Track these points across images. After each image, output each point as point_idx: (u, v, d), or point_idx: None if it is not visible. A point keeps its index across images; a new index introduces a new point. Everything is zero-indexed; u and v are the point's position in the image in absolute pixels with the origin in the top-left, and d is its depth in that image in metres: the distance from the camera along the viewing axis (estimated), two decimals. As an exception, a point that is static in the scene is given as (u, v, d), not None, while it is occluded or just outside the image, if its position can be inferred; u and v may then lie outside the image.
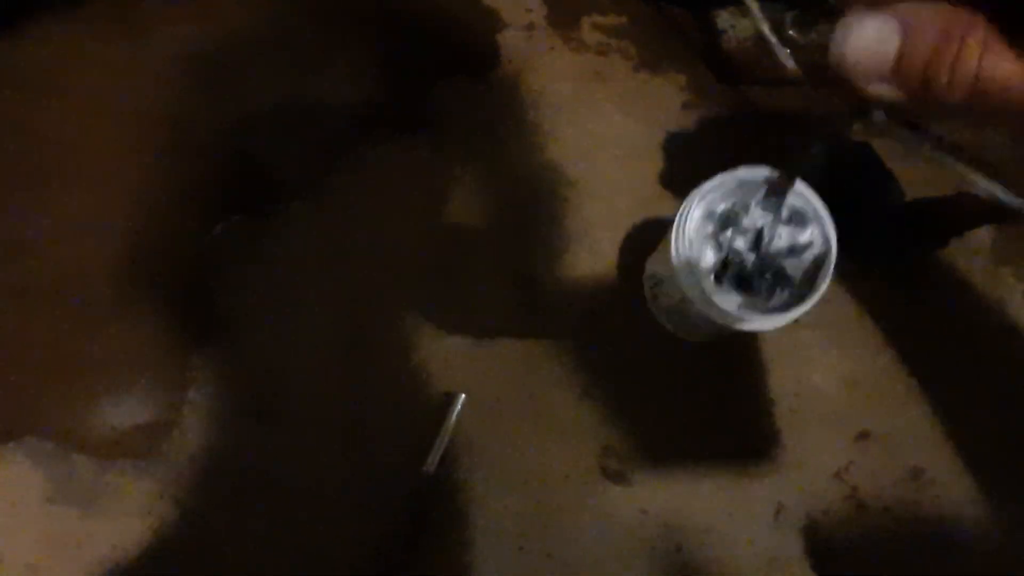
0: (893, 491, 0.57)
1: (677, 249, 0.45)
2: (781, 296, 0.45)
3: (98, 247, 0.59)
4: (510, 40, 0.68)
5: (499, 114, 0.66)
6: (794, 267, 0.45)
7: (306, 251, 0.61)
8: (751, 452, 0.57)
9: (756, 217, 0.45)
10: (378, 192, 0.63)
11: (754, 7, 0.60)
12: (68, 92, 0.63)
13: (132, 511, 0.53)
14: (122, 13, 0.65)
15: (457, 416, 0.56)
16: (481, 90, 0.67)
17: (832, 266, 0.44)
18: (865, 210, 0.58)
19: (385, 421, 0.57)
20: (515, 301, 0.60)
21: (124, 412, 0.55)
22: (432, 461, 0.55)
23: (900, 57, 0.22)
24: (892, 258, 0.63)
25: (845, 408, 0.59)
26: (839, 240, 0.45)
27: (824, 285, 0.44)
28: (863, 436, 0.58)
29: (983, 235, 0.65)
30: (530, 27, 0.69)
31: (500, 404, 0.57)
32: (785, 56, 0.64)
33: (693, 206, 0.45)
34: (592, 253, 0.62)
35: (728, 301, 0.44)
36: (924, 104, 0.22)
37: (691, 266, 0.44)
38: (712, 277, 0.45)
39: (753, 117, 0.68)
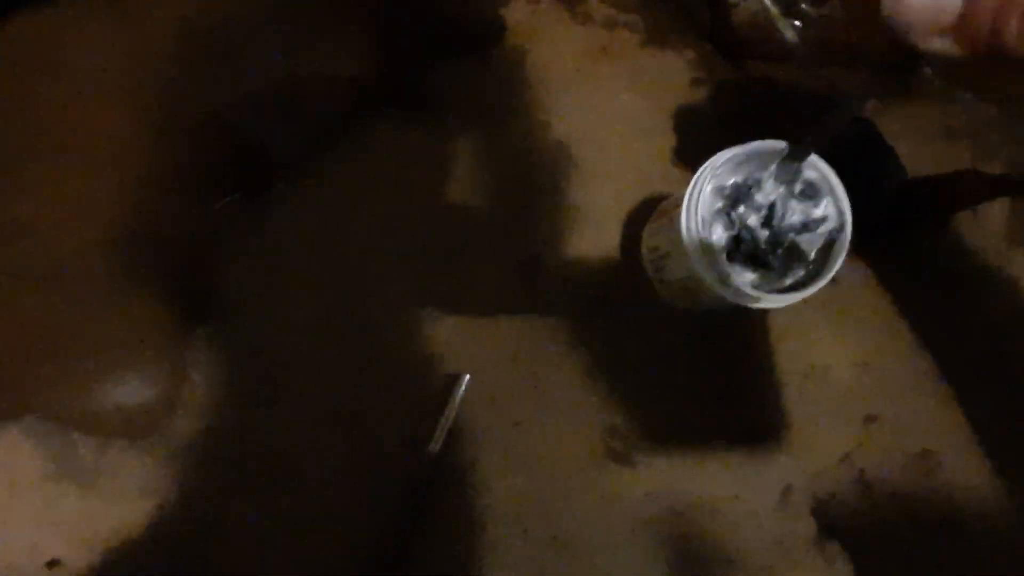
0: (901, 474, 0.56)
1: (688, 227, 0.43)
2: (796, 273, 0.44)
3: (95, 227, 0.58)
4: (515, 14, 0.67)
5: (502, 91, 0.65)
6: (808, 243, 0.43)
7: (306, 231, 0.60)
8: (758, 434, 0.56)
9: (768, 191, 0.43)
10: (379, 171, 0.62)
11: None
12: (61, 69, 0.62)
13: (133, 491, 0.53)
14: (117, -11, 0.64)
15: (460, 397, 0.55)
16: (484, 66, 0.65)
17: (847, 241, 0.43)
18: (865, 187, 0.57)
19: (387, 403, 0.56)
20: (518, 282, 0.60)
21: (124, 391, 0.55)
22: (436, 443, 0.54)
23: (966, 8, 0.20)
24: (892, 236, 0.62)
25: (854, 390, 0.58)
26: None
27: (840, 260, 0.42)
28: (872, 419, 0.58)
29: (996, 216, 0.64)
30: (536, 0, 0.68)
31: (503, 385, 0.57)
32: (790, 32, 0.62)
33: (705, 181, 0.43)
34: (597, 232, 0.61)
35: (742, 279, 0.43)
36: (983, 58, 0.21)
37: (704, 245, 0.42)
38: (725, 255, 0.44)
39: (763, 94, 0.67)
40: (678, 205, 0.46)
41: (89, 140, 0.60)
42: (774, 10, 0.58)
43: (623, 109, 0.65)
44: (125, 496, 0.53)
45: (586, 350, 0.58)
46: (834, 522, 0.55)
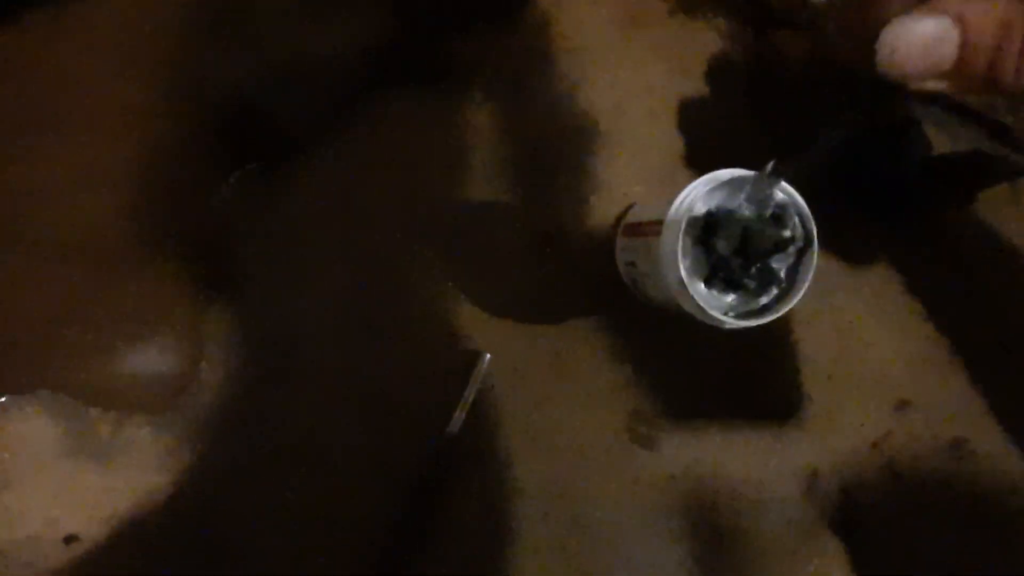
0: (933, 463, 0.55)
1: (667, 262, 0.45)
2: (770, 293, 0.45)
3: (109, 197, 0.57)
4: (540, -20, 0.64)
5: (524, 62, 0.63)
6: (779, 262, 0.45)
7: (323, 205, 0.59)
8: (785, 419, 0.55)
9: (740, 219, 0.45)
10: (396, 144, 0.60)
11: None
12: (74, 38, 0.60)
13: (149, 467, 0.53)
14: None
15: (481, 377, 0.54)
16: (506, 36, 0.63)
17: (814, 259, 0.44)
18: (889, 161, 0.58)
19: (405, 380, 0.55)
20: (540, 258, 0.58)
21: (141, 365, 0.54)
22: (455, 424, 0.53)
23: (961, 54, 0.21)
24: (919, 213, 0.61)
25: (885, 376, 0.57)
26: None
27: (808, 279, 0.44)
28: (903, 405, 0.56)
29: (1035, 194, 0.61)
30: (562, -35, 0.65)
31: (525, 364, 0.56)
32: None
33: (682, 219, 0.44)
34: (620, 210, 0.59)
35: (719, 303, 0.45)
36: (983, 93, 0.22)
37: (682, 279, 0.44)
38: (703, 284, 0.45)
39: (794, 66, 0.64)
40: (652, 223, 0.47)
41: (101, 109, 0.59)
42: None
43: (651, 82, 0.63)
44: (142, 472, 0.52)
45: (610, 329, 0.57)
46: (861, 510, 0.54)
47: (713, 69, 0.63)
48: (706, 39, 0.64)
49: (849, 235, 0.59)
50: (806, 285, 0.44)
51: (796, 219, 0.45)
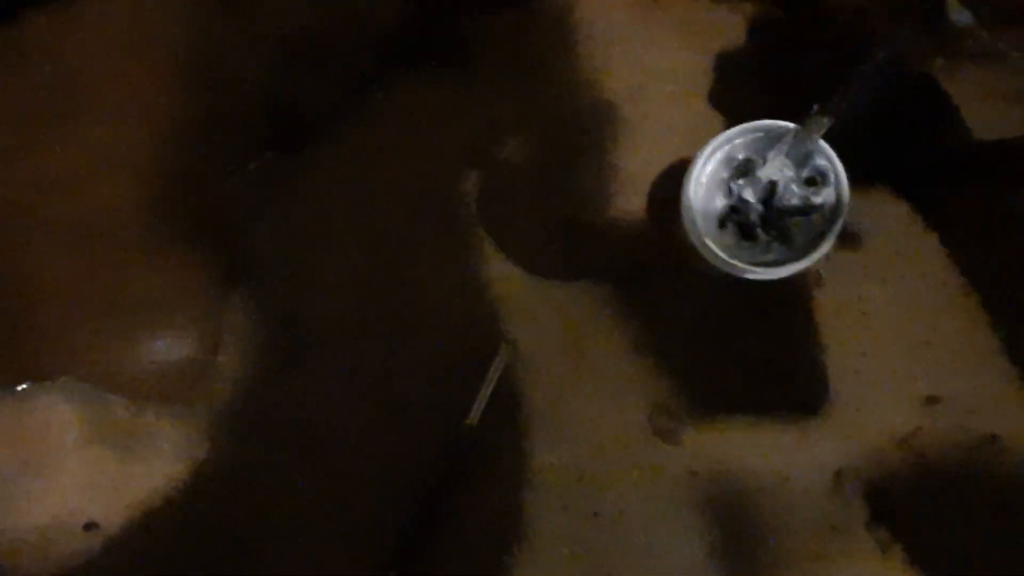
0: (964, 459, 0.53)
1: (686, 191, 0.47)
2: (779, 251, 0.46)
3: (130, 184, 0.57)
4: (561, -39, 0.63)
5: (545, 45, 0.61)
6: (798, 226, 0.45)
7: (341, 191, 0.58)
8: (811, 414, 0.54)
9: (772, 170, 0.45)
10: (413, 129, 0.60)
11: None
12: (89, 22, 0.60)
13: (168, 455, 0.53)
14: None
15: (501, 367, 0.54)
16: (527, 17, 0.62)
17: (836, 232, 0.45)
18: (925, 141, 0.57)
19: (423, 369, 0.55)
20: (559, 247, 0.58)
21: (161, 352, 0.55)
22: (475, 413, 0.53)
23: None
24: (946, 192, 0.59)
25: (915, 370, 0.55)
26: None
27: (825, 249, 0.45)
28: (933, 400, 0.55)
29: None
30: (585, -54, 0.63)
31: (545, 355, 0.55)
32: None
33: (707, 154, 0.46)
34: (642, 197, 0.58)
35: (723, 244, 0.46)
36: None
37: (694, 210, 0.46)
38: (717, 221, 0.47)
39: (820, 48, 0.62)
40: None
41: (125, 95, 0.59)
42: None
43: (674, 65, 0.61)
44: (161, 461, 0.53)
45: (632, 319, 0.56)
46: (889, 507, 0.53)
47: (738, 52, 0.62)
48: (731, 21, 0.62)
49: (880, 226, 0.58)
50: (822, 252, 0.45)
51: (832, 188, 0.45)
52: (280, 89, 0.60)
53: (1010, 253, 0.58)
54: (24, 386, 0.53)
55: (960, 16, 0.54)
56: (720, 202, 0.47)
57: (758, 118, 0.48)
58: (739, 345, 0.56)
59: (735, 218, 0.46)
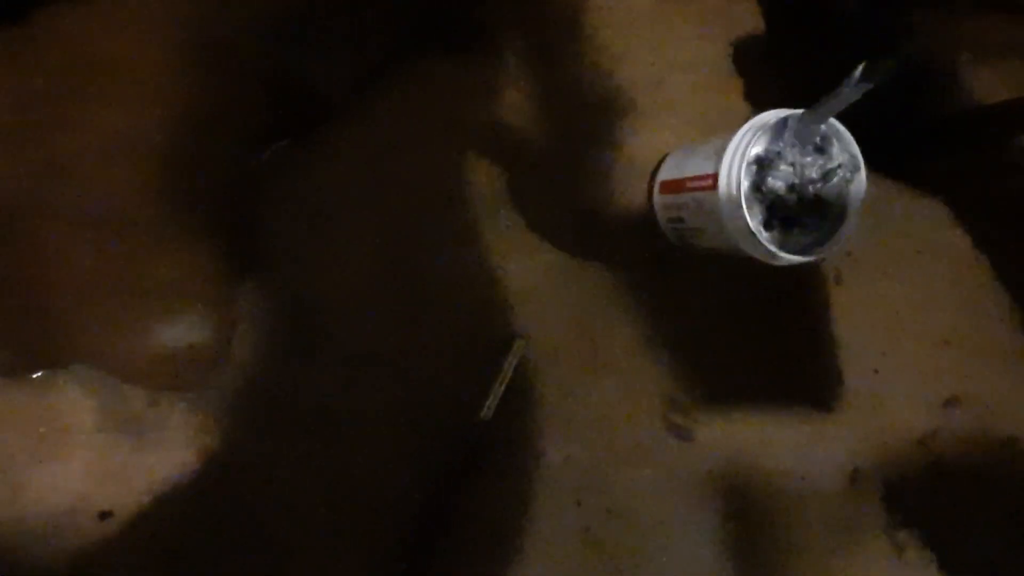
0: (983, 461, 0.53)
1: (732, 220, 0.45)
2: (826, 225, 0.46)
3: (139, 167, 0.56)
4: (582, -53, 0.61)
5: (563, 32, 0.60)
6: (829, 191, 0.46)
7: (354, 179, 0.58)
8: (828, 412, 0.54)
9: (788, 156, 0.46)
10: (427, 115, 0.59)
11: None
12: (109, 5, 0.59)
13: (181, 443, 0.53)
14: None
15: (515, 361, 0.53)
16: (544, 5, 0.61)
17: (864, 181, 0.45)
18: (915, 114, 0.58)
19: (437, 359, 0.55)
20: (574, 237, 0.57)
21: (174, 340, 0.54)
22: (489, 407, 0.52)
23: None
24: (943, 163, 0.60)
25: (934, 370, 0.55)
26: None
27: (859, 201, 0.45)
28: (953, 401, 0.54)
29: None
30: (605, -69, 0.62)
31: (560, 349, 0.55)
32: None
33: (739, 166, 0.44)
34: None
35: (783, 244, 0.45)
36: None
37: (752, 232, 0.44)
38: (763, 228, 0.46)
39: (841, 39, 0.61)
40: (698, 177, 0.48)
41: (128, 76, 0.58)
42: None
43: (693, 55, 0.60)
44: (174, 448, 0.53)
45: (647, 315, 0.55)
46: (906, 508, 0.52)
47: (758, 43, 0.60)
48: (751, 12, 0.61)
49: (898, 217, 0.57)
50: (858, 206, 0.45)
51: (837, 145, 0.45)
52: (296, 73, 0.59)
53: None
54: (38, 374, 0.52)
55: None
56: (756, 209, 0.46)
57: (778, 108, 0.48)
58: (756, 342, 0.55)
59: (777, 215, 0.46)
